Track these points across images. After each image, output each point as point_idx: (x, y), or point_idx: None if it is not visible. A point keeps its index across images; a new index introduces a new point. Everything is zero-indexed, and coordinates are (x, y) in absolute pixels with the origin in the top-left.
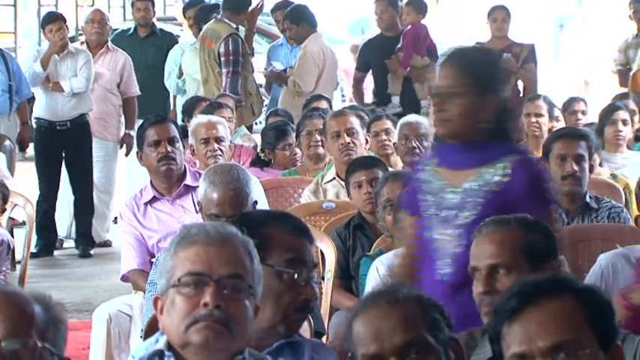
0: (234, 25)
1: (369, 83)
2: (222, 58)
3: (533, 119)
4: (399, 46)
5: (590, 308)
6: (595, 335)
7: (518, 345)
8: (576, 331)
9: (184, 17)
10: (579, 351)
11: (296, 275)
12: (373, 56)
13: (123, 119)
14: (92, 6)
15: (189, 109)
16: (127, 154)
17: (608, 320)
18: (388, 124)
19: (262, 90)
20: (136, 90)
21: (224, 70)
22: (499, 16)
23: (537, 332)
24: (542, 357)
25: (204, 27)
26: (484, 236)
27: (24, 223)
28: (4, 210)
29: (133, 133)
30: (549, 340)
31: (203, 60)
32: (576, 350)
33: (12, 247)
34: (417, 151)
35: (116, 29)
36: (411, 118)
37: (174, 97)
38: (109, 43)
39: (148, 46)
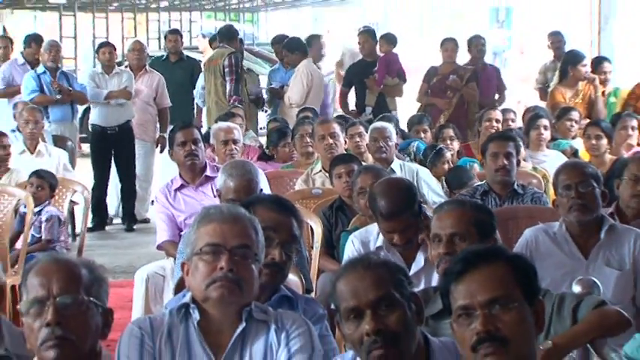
0: (232, 49)
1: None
2: (227, 69)
3: (494, 125)
4: (375, 69)
5: (519, 271)
6: (522, 292)
7: (463, 299)
8: (508, 288)
9: (210, 46)
10: (510, 304)
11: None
12: (356, 76)
13: (158, 125)
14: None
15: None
16: (161, 152)
17: (533, 280)
18: (361, 129)
19: (266, 100)
20: (168, 102)
21: (228, 78)
22: (449, 46)
23: (477, 289)
24: (481, 309)
25: (211, 54)
26: (446, 212)
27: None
28: (53, 196)
29: (166, 135)
30: (486, 296)
31: (207, 77)
32: (507, 303)
33: (63, 220)
34: (384, 149)
35: (153, 55)
36: (379, 124)
37: (199, 108)
38: (147, 67)
39: (177, 68)
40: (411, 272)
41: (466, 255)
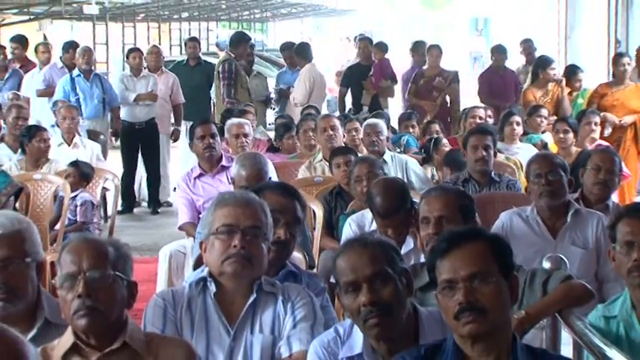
0: (233, 55)
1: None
2: (221, 75)
3: (478, 120)
4: (371, 73)
5: (496, 249)
6: (499, 268)
7: (447, 274)
8: (486, 264)
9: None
10: (488, 278)
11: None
12: (352, 78)
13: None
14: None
15: (224, 117)
16: (174, 142)
17: (508, 258)
18: (357, 124)
19: (273, 99)
20: (181, 99)
21: (221, 82)
22: (434, 52)
23: (460, 265)
24: (463, 282)
25: None
26: (433, 197)
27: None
28: (88, 183)
29: (180, 128)
30: (468, 270)
31: (215, 79)
32: (486, 278)
33: (95, 204)
34: (376, 143)
35: (174, 60)
36: (371, 120)
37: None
38: (163, 67)
39: (196, 71)
40: (403, 251)
41: (450, 235)
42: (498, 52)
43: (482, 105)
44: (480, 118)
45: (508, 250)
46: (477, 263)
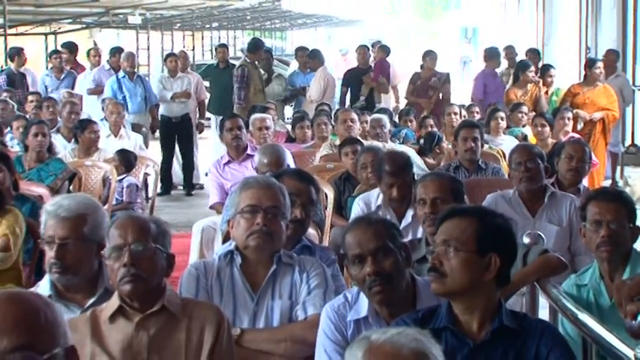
0: (249, 60)
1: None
2: (235, 78)
3: (453, 117)
4: (371, 72)
5: (481, 229)
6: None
7: (443, 236)
8: (463, 237)
9: None
10: (460, 248)
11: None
12: (351, 79)
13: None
14: (193, 50)
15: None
16: (199, 133)
17: (489, 240)
18: (353, 115)
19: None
20: (205, 96)
21: (235, 85)
22: (430, 57)
23: (453, 229)
24: (439, 245)
25: None
26: (429, 181)
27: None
28: (131, 169)
29: (203, 121)
30: (444, 237)
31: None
32: (458, 247)
33: (139, 187)
34: (380, 134)
35: (205, 63)
36: (376, 116)
37: None
38: (189, 69)
39: (225, 73)
40: (402, 226)
41: (449, 210)
42: (491, 55)
43: (459, 103)
44: (455, 114)
45: (492, 233)
46: (456, 234)
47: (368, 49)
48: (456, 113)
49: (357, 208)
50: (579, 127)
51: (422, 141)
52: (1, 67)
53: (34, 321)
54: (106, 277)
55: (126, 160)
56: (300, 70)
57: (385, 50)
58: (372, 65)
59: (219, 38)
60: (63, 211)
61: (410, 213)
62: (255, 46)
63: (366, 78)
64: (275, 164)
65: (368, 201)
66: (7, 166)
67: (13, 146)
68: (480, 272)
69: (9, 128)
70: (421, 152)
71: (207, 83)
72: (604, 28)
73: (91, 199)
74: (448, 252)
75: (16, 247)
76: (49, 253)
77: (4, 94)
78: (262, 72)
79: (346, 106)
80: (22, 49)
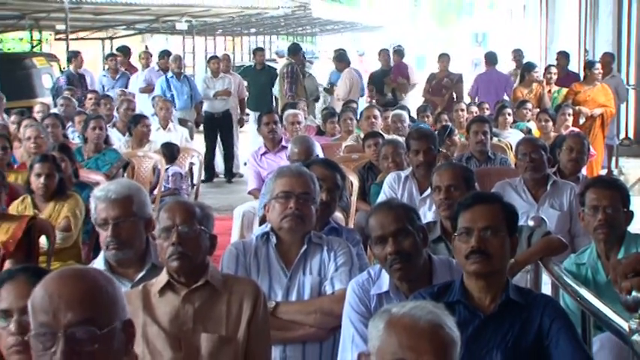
0: (293, 61)
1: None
2: (285, 75)
3: (460, 113)
4: (391, 74)
5: (505, 210)
6: (507, 227)
7: (466, 223)
8: (498, 220)
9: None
10: (499, 232)
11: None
12: (376, 78)
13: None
14: (233, 53)
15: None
16: (240, 127)
17: (514, 222)
18: (376, 111)
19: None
20: (245, 94)
21: (286, 80)
22: (444, 59)
23: (478, 218)
24: (478, 232)
25: (282, 64)
26: (444, 170)
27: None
28: (175, 159)
29: (244, 117)
30: (483, 223)
31: (279, 79)
32: (497, 231)
33: (184, 175)
34: (400, 129)
35: (243, 65)
36: (397, 112)
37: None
38: (231, 70)
39: (262, 74)
40: (422, 196)
41: (473, 195)
42: (491, 59)
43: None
44: (462, 110)
45: (515, 216)
46: (491, 219)
47: (389, 52)
48: (462, 110)
49: (386, 187)
50: (581, 121)
51: (436, 133)
52: (63, 68)
53: (96, 297)
54: (153, 253)
55: (169, 152)
56: (336, 70)
57: (400, 54)
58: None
59: (256, 42)
60: (112, 194)
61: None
62: (295, 49)
63: (387, 80)
64: (304, 153)
65: (399, 175)
66: (68, 156)
67: (74, 138)
68: (509, 252)
69: (71, 122)
70: None
71: (245, 82)
72: (601, 33)
73: (134, 182)
74: (487, 235)
75: (76, 228)
76: (104, 234)
77: (66, 92)
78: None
79: (373, 101)
80: (79, 53)
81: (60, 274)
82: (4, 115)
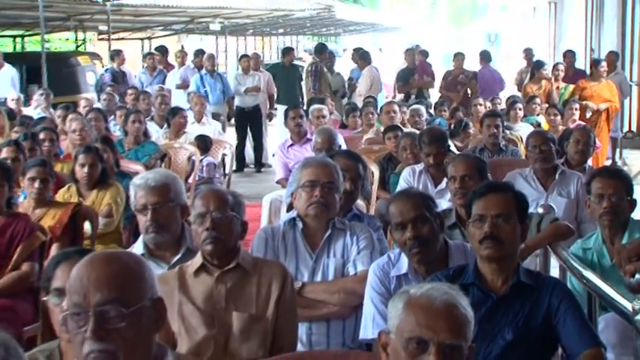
0: (318, 59)
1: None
2: (310, 73)
3: (479, 107)
4: (416, 74)
5: (516, 199)
6: (517, 213)
7: (480, 210)
8: (509, 208)
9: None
10: (510, 219)
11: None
12: (402, 74)
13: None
14: (262, 52)
15: (309, 104)
16: (269, 121)
17: (525, 207)
18: (395, 107)
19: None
20: (274, 90)
21: (311, 78)
22: (459, 57)
23: (491, 205)
24: (491, 219)
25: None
26: (458, 161)
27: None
28: (208, 150)
29: (273, 111)
30: (496, 211)
31: (305, 76)
32: (508, 218)
33: (217, 165)
34: (418, 122)
35: (269, 62)
36: (415, 106)
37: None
38: (260, 67)
39: (290, 72)
40: (437, 189)
41: (486, 184)
42: (485, 57)
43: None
44: (480, 105)
45: (526, 203)
46: (504, 206)
47: (414, 52)
48: (481, 104)
49: (405, 176)
50: (587, 115)
51: (452, 126)
52: (105, 66)
53: (123, 278)
54: (188, 238)
55: (204, 144)
56: (357, 68)
57: (424, 54)
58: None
59: (284, 42)
60: (151, 181)
61: (445, 180)
62: (321, 48)
63: (412, 80)
64: (327, 142)
65: (414, 170)
66: (110, 147)
67: (116, 131)
68: (520, 237)
69: (113, 116)
70: (451, 135)
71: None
72: (606, 34)
73: (170, 171)
74: (499, 222)
75: (117, 214)
76: (143, 219)
77: (108, 88)
78: (325, 69)
79: (400, 96)
80: (120, 51)
81: (92, 257)
82: (52, 110)
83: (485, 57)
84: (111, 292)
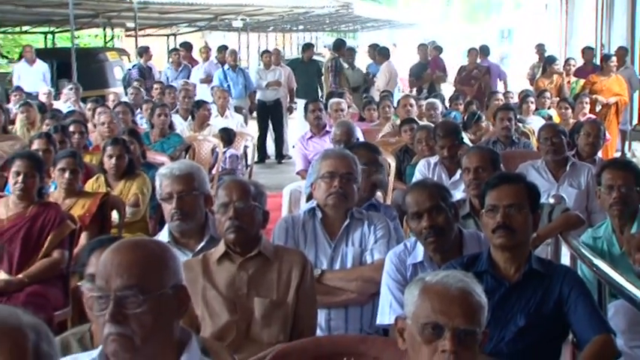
0: (337, 55)
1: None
2: (330, 68)
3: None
4: (428, 68)
5: (529, 189)
6: (529, 203)
7: (493, 201)
8: (522, 198)
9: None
10: (522, 209)
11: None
12: (415, 69)
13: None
14: (283, 48)
15: (328, 97)
16: (290, 114)
17: (537, 199)
18: (411, 100)
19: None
20: (294, 85)
21: (330, 73)
22: (473, 52)
23: (504, 196)
24: (503, 209)
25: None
26: (472, 153)
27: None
28: (231, 142)
29: (293, 105)
30: (508, 201)
31: (325, 71)
32: (521, 208)
33: (239, 157)
34: (433, 116)
35: (289, 58)
36: (430, 100)
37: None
38: (281, 63)
39: (309, 67)
40: (451, 181)
41: (499, 175)
42: (482, 51)
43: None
44: (498, 99)
45: (537, 194)
46: (515, 197)
47: (427, 47)
48: (499, 99)
49: (420, 167)
50: (597, 109)
51: (465, 119)
52: (131, 61)
53: (145, 265)
54: (211, 226)
55: (227, 136)
56: (374, 62)
57: (438, 49)
58: (430, 60)
59: (304, 38)
60: (176, 171)
61: (459, 171)
62: (339, 44)
63: (425, 75)
64: (345, 134)
65: (429, 162)
66: (137, 139)
67: (142, 124)
68: (532, 226)
69: (139, 110)
70: (464, 128)
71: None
72: (616, 29)
73: (194, 162)
74: (511, 212)
75: (144, 204)
76: (168, 207)
77: (135, 83)
78: (345, 65)
79: (413, 90)
80: (148, 48)
81: (118, 244)
82: (81, 103)
83: (484, 51)
84: (131, 279)
